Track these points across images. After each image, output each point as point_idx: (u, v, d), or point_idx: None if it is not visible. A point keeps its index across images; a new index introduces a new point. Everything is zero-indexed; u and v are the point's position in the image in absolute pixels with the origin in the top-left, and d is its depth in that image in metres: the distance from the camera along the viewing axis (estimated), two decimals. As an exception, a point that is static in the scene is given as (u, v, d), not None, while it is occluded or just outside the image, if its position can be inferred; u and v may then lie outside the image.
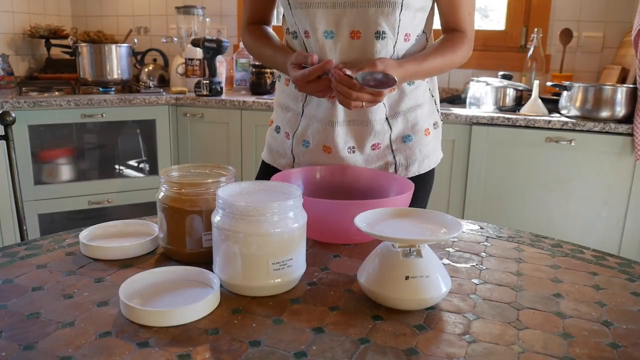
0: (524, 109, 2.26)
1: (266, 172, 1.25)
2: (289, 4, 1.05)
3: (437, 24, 1.14)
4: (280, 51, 1.11)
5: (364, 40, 1.03)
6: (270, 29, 1.21)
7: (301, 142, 1.15)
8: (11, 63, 2.89)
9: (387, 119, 1.10)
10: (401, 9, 1.00)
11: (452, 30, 1.11)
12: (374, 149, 1.12)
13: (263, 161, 1.28)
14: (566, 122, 2.10)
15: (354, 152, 1.12)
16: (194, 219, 0.80)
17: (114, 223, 0.92)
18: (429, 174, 1.19)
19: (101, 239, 0.88)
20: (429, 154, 1.17)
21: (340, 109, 1.08)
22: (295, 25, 1.07)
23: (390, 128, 1.11)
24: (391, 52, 1.04)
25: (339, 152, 1.11)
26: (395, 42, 1.04)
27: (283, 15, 1.13)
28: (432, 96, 1.17)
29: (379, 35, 1.02)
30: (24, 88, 2.60)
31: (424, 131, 1.14)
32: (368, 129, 1.10)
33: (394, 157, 1.13)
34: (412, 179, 1.15)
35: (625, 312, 0.70)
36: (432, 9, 1.11)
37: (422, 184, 1.17)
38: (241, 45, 2.84)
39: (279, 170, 1.21)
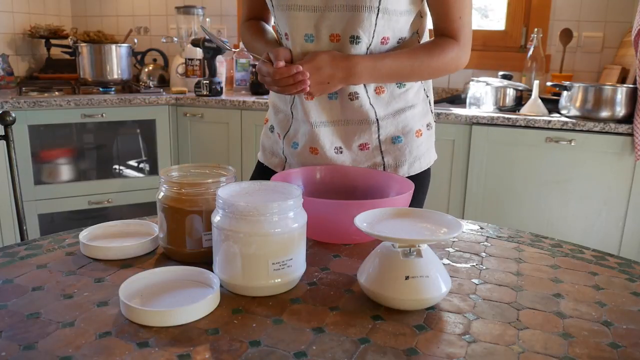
0: (524, 109, 2.26)
1: (260, 171, 1.26)
2: (272, 5, 1.05)
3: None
4: (272, 45, 1.11)
5: (342, 43, 1.02)
6: (268, 25, 1.21)
7: (291, 143, 1.16)
8: (11, 63, 2.89)
9: (376, 119, 1.10)
10: (378, 13, 0.99)
11: (441, 35, 1.07)
12: (362, 149, 1.12)
13: (258, 161, 1.28)
14: (566, 122, 2.10)
15: (341, 152, 1.12)
16: (194, 219, 0.80)
17: (114, 223, 0.92)
18: (423, 175, 1.17)
19: (101, 239, 0.88)
20: (420, 155, 1.15)
21: (323, 110, 1.09)
22: (278, 26, 1.08)
23: (379, 129, 1.10)
24: (364, 54, 1.03)
25: (325, 153, 1.11)
26: (370, 44, 1.03)
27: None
28: (427, 96, 1.16)
29: (354, 39, 1.01)
30: (24, 88, 2.60)
31: (415, 132, 1.13)
32: (353, 129, 1.10)
33: (383, 158, 1.12)
34: None
35: (625, 312, 0.70)
36: (424, 11, 1.09)
37: (416, 186, 1.16)
38: (241, 45, 2.83)
39: (273, 170, 1.21)
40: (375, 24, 1.00)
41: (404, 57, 1.03)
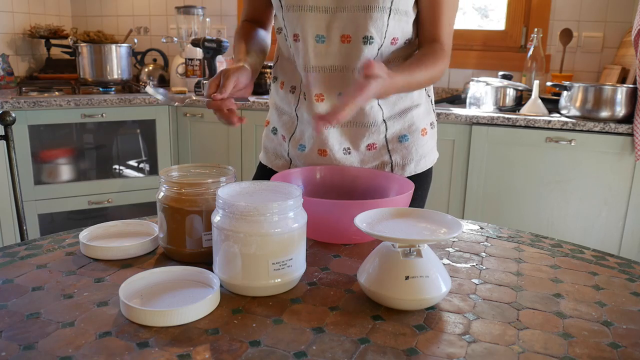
0: (524, 109, 2.26)
1: (263, 173, 1.25)
2: (281, 5, 1.04)
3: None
4: (250, 56, 1.08)
5: (353, 44, 1.03)
6: (261, 30, 1.19)
7: (297, 145, 1.16)
8: (11, 63, 2.89)
9: (384, 120, 1.10)
10: (390, 13, 1.00)
11: (430, 41, 1.06)
12: (369, 149, 1.12)
13: (260, 163, 1.28)
14: (566, 122, 2.10)
15: (349, 153, 1.12)
16: (194, 219, 0.80)
17: (114, 223, 0.92)
18: (427, 174, 1.19)
19: (101, 239, 0.88)
20: (425, 153, 1.16)
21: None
22: (285, 27, 1.07)
23: (386, 128, 1.11)
24: (375, 55, 1.04)
25: (334, 154, 1.11)
26: (381, 45, 1.03)
27: (275, 14, 1.13)
28: (429, 96, 1.17)
29: (367, 40, 1.02)
30: (24, 88, 2.60)
31: (421, 131, 1.14)
32: (362, 130, 1.10)
33: (390, 156, 1.13)
34: (408, 178, 1.15)
35: (625, 312, 0.70)
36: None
37: (420, 184, 1.17)
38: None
39: (276, 172, 1.21)
40: (387, 24, 1.01)
41: (421, 69, 1.02)
